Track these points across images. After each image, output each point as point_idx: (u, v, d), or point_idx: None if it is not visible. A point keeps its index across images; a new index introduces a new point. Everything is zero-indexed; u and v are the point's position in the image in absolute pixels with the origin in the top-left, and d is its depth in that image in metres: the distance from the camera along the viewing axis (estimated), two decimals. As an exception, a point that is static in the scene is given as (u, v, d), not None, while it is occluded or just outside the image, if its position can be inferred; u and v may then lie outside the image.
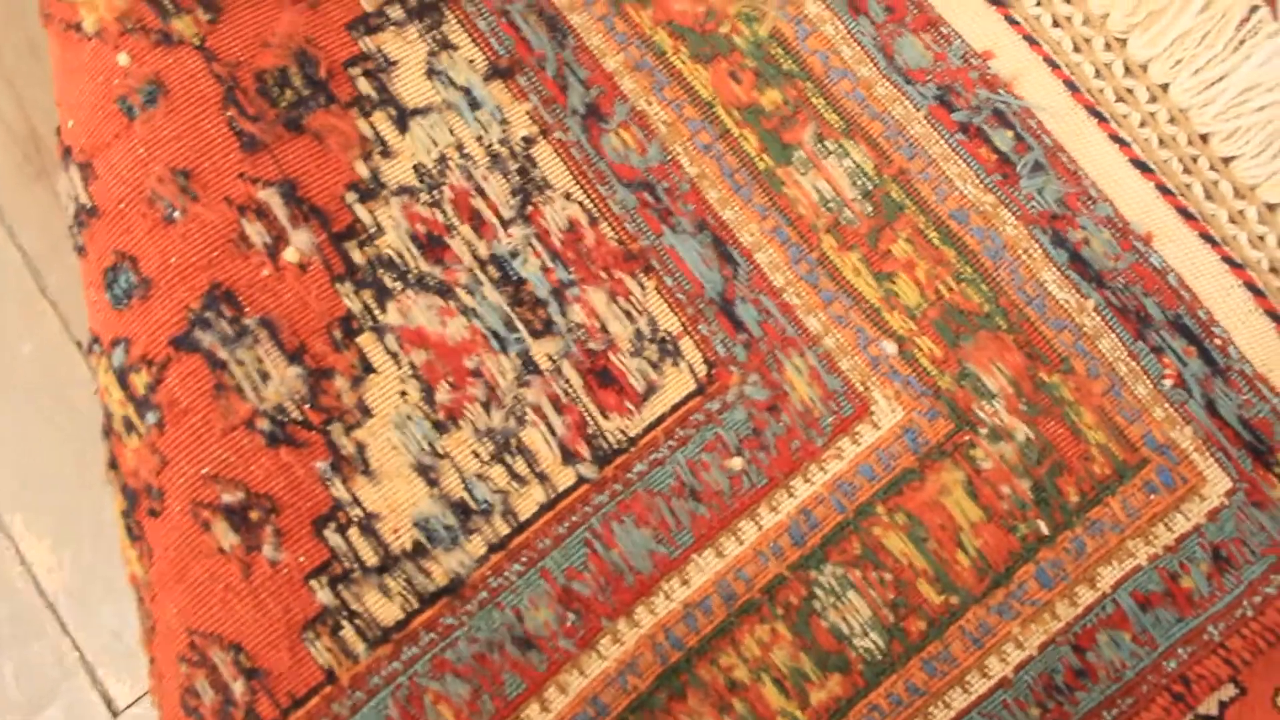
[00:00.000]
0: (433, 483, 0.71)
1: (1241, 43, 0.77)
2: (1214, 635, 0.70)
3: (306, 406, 0.71)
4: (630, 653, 0.70)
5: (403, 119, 0.76)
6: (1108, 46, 0.78)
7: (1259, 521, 0.71)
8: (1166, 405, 0.73)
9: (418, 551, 0.70)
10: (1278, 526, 0.71)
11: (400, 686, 0.68)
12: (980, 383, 0.73)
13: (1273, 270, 0.75)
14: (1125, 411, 0.73)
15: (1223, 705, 0.72)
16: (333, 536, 0.70)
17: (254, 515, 0.69)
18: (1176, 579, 0.71)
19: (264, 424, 0.70)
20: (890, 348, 0.74)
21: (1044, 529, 0.71)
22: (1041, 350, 0.73)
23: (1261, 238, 0.75)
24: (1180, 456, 0.72)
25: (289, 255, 0.72)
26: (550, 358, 0.73)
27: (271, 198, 0.72)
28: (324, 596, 0.69)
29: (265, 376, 0.71)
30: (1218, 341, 0.73)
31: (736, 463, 0.72)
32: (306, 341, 0.72)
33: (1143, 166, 0.76)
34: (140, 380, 0.71)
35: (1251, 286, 0.74)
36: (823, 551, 0.71)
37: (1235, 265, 0.75)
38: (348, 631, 0.69)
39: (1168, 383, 0.73)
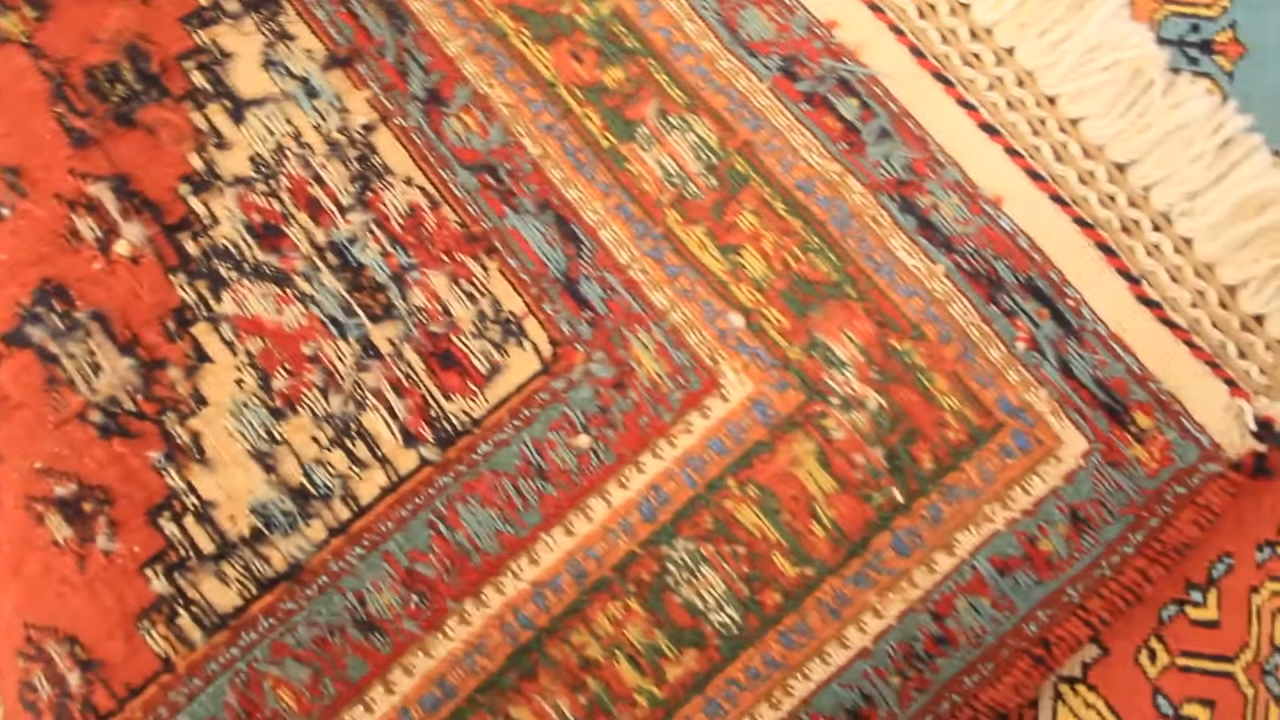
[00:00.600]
0: (270, 469, 0.71)
1: (1084, 3, 0.77)
2: (1073, 597, 0.70)
3: (139, 397, 0.71)
4: (478, 633, 0.70)
5: (239, 110, 0.76)
6: (953, 11, 0.78)
7: (1116, 481, 0.70)
8: (1020, 368, 0.72)
9: (255, 538, 0.70)
10: (1135, 486, 0.70)
11: (239, 673, 0.68)
12: (830, 352, 0.73)
13: (1124, 230, 0.74)
14: (979, 376, 0.72)
15: (1085, 666, 0.71)
16: (168, 525, 0.70)
17: (87, 507, 0.69)
18: (1035, 542, 0.70)
19: (96, 416, 0.70)
20: (738, 320, 0.74)
21: (899, 497, 0.71)
22: (892, 317, 0.73)
23: (1112, 197, 0.75)
24: (1035, 419, 0.71)
25: (120, 248, 0.73)
26: (391, 341, 0.73)
27: (102, 192, 0.73)
28: (159, 585, 0.69)
29: (97, 369, 0.71)
30: (1070, 303, 0.73)
31: (583, 440, 0.72)
32: (139, 333, 0.72)
33: (991, 130, 0.76)
34: (-27, 377, 0.71)
35: (1103, 246, 0.74)
36: (674, 527, 0.71)
37: (1086, 225, 0.74)
38: (184, 619, 0.69)
39: (1021, 345, 0.72)
